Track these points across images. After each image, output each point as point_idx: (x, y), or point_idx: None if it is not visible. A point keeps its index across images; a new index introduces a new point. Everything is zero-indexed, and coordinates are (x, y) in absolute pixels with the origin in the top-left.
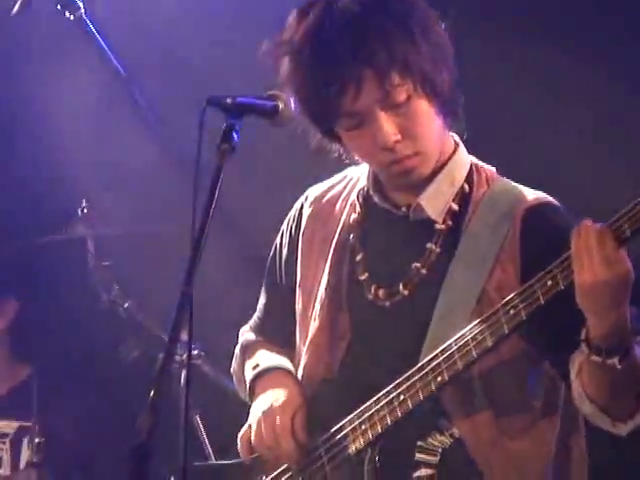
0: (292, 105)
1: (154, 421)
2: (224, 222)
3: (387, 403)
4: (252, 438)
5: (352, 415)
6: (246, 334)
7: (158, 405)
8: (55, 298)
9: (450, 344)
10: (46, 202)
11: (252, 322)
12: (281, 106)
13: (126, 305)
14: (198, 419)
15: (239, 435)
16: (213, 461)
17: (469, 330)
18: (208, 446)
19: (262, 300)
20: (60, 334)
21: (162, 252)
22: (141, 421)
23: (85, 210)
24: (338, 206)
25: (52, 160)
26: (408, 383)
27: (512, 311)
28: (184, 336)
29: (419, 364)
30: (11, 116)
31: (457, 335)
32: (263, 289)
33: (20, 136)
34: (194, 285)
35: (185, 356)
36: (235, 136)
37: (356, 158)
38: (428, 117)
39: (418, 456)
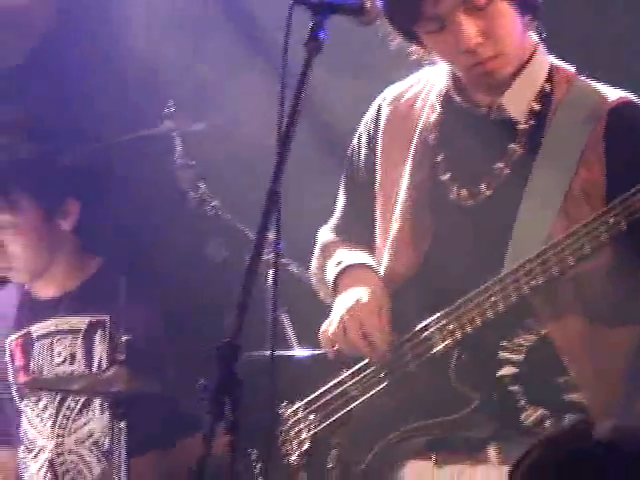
0: (378, 4)
1: (242, 320)
2: (310, 118)
3: (477, 304)
4: (336, 333)
5: (439, 314)
6: (325, 234)
7: (246, 304)
8: (141, 197)
9: (545, 249)
10: (134, 102)
11: (331, 223)
12: (368, 4)
13: (213, 204)
14: (285, 317)
15: (321, 329)
16: (295, 352)
17: (566, 236)
18: (295, 343)
19: (341, 201)
20: (145, 232)
21: (249, 150)
22: (230, 320)
23: (172, 108)
24: (417, 107)
25: (139, 61)
26: (500, 285)
27: (612, 220)
28: (271, 235)
29: (512, 268)
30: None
31: (553, 240)
32: (342, 190)
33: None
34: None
35: (272, 255)
36: (322, 34)
37: (436, 60)
38: (509, 18)
39: (502, 355)
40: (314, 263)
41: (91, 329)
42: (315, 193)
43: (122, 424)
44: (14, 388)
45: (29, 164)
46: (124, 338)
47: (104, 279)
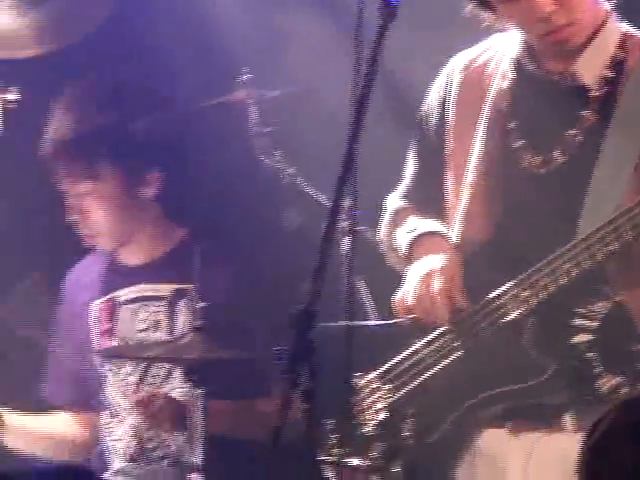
0: None
1: (318, 287)
2: (381, 84)
3: (551, 272)
4: (409, 301)
5: (512, 282)
6: (395, 201)
7: (322, 271)
8: (215, 164)
9: (617, 215)
10: (206, 70)
11: (400, 189)
12: None
13: (288, 172)
14: (362, 284)
15: (395, 297)
16: (370, 322)
17: (638, 202)
18: (371, 312)
19: (410, 167)
20: (221, 201)
21: (324, 117)
22: (305, 288)
23: (246, 76)
24: (488, 74)
25: (215, 28)
26: (573, 252)
27: None
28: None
29: (584, 234)
30: None
31: (624, 207)
32: (411, 156)
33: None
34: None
35: (348, 223)
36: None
37: (507, 27)
38: None
39: (577, 322)
40: (383, 230)
41: (175, 297)
42: (388, 160)
43: (198, 391)
44: (97, 353)
45: (110, 133)
46: (200, 305)
47: (190, 248)
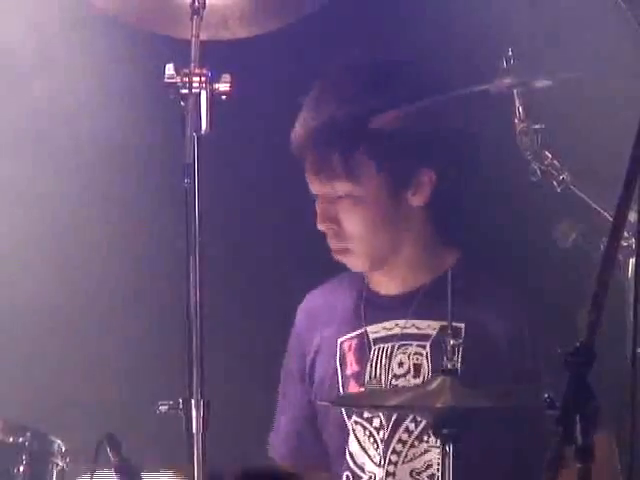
0: None
1: (597, 320)
2: None
3: None
4: None
5: None
6: None
7: (602, 299)
8: (476, 167)
9: None
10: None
11: None
12: None
13: (562, 177)
14: None
15: None
16: None
17: None
18: None
19: None
20: (485, 211)
21: (603, 113)
22: (581, 320)
23: (512, 60)
24: None
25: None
26: None
27: None
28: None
29: None
30: None
31: None
32: None
33: None
34: None
35: (634, 241)
36: None
37: None
38: None
39: None
40: None
41: (442, 336)
42: None
43: (448, 448)
44: (328, 402)
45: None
46: (452, 342)
47: (460, 276)
